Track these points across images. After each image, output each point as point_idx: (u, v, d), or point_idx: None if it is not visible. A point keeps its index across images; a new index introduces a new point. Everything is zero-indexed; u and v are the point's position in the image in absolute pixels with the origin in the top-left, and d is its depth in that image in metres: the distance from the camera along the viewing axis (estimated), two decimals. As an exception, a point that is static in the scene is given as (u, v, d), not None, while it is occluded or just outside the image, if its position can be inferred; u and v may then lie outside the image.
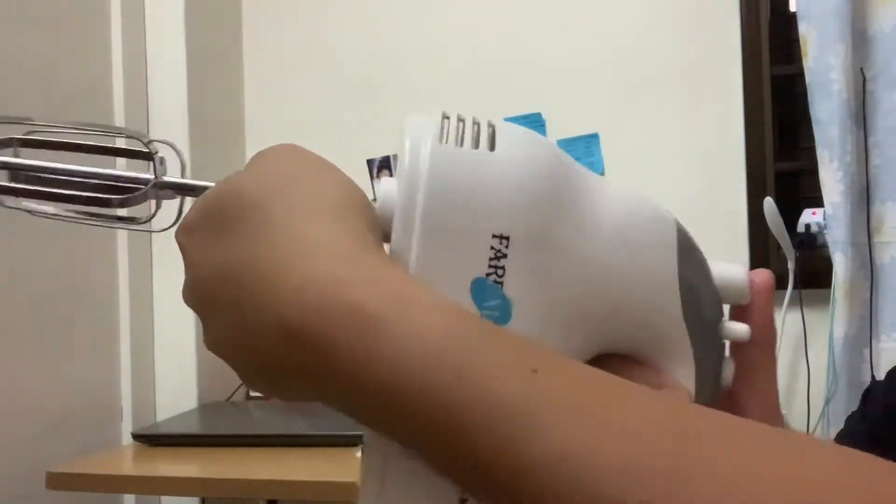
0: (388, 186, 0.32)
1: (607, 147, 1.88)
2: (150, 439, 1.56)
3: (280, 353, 0.28)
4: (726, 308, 0.36)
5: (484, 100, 1.96)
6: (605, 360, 0.34)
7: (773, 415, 0.37)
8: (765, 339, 0.36)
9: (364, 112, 2.04)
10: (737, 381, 0.36)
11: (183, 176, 0.41)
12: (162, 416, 1.84)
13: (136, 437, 1.57)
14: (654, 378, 0.34)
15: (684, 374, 0.34)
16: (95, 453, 1.59)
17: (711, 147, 1.82)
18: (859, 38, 1.61)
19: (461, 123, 0.33)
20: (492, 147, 0.32)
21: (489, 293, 0.31)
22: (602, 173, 1.88)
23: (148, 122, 1.91)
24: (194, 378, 1.85)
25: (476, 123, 0.33)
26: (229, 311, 0.29)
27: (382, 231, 0.32)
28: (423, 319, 0.27)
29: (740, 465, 0.25)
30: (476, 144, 0.32)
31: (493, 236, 0.31)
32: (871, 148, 1.62)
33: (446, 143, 0.32)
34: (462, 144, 0.32)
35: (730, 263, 0.36)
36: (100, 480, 1.42)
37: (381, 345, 0.26)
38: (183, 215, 0.34)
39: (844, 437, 0.68)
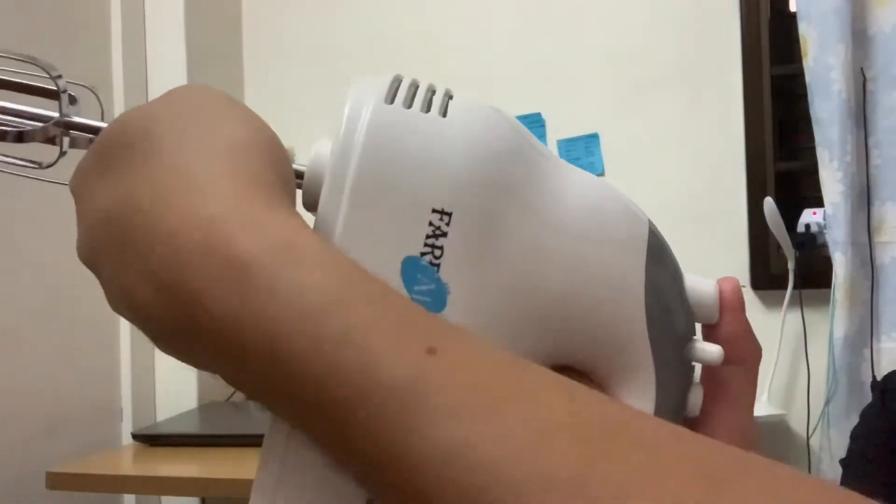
0: (320, 147, 0.29)
1: (607, 147, 1.88)
2: (150, 439, 1.56)
3: (158, 309, 0.24)
4: (698, 327, 0.32)
5: (484, 100, 1.95)
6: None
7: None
8: (739, 357, 0.31)
9: (364, 112, 2.04)
10: (707, 406, 0.31)
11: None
12: (162, 416, 1.84)
13: (136, 437, 1.57)
14: None
15: (643, 398, 0.30)
16: (95, 453, 1.59)
17: (711, 147, 1.82)
18: (859, 38, 1.61)
19: (414, 88, 0.29)
20: (443, 113, 0.28)
21: (422, 275, 0.27)
22: (602, 173, 1.88)
23: (148, 122, 1.92)
24: (194, 378, 1.85)
25: (432, 90, 0.29)
26: (113, 259, 0.26)
27: (309, 198, 0.28)
28: (307, 274, 0.23)
29: (657, 493, 0.20)
30: (427, 109, 0.28)
31: (434, 211, 0.27)
32: (871, 148, 1.62)
33: (391, 103, 0.28)
34: (410, 107, 0.28)
35: (699, 276, 0.31)
36: (100, 480, 1.42)
37: (256, 301, 0.22)
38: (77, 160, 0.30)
39: (861, 434, 0.67)
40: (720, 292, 0.31)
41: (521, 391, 0.22)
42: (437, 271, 0.27)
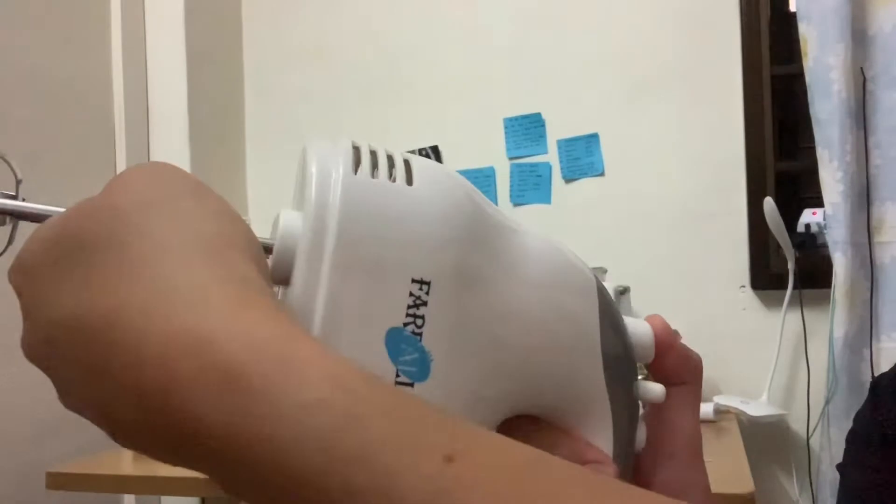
0: (289, 219, 0.28)
1: (607, 147, 1.88)
2: (150, 439, 1.56)
3: (142, 426, 0.23)
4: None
5: (484, 100, 1.96)
6: (518, 421, 0.31)
7: (693, 458, 0.35)
8: (682, 380, 0.35)
9: (364, 112, 2.04)
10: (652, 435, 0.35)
11: (17, 194, 0.33)
12: (162, 416, 1.84)
13: (136, 437, 1.57)
14: (574, 445, 0.32)
15: (602, 438, 0.32)
16: (95, 453, 1.59)
17: (711, 147, 1.82)
18: (859, 38, 1.61)
19: (373, 154, 0.29)
20: (409, 181, 0.28)
21: (406, 345, 0.27)
22: (602, 173, 1.88)
23: (148, 122, 1.92)
24: (194, 378, 1.85)
25: (389, 156, 0.29)
26: (80, 368, 0.24)
27: (279, 272, 0.27)
28: (315, 391, 0.22)
29: None
30: (391, 178, 0.28)
31: (413, 281, 0.27)
32: (871, 148, 1.62)
33: (358, 174, 0.28)
34: (376, 177, 0.28)
35: (635, 320, 0.34)
36: (100, 480, 1.42)
37: (263, 424, 0.21)
38: (14, 245, 0.27)
39: (854, 438, 0.67)
40: (654, 331, 0.34)
41: (545, 494, 0.22)
42: (420, 340, 0.27)
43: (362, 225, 0.27)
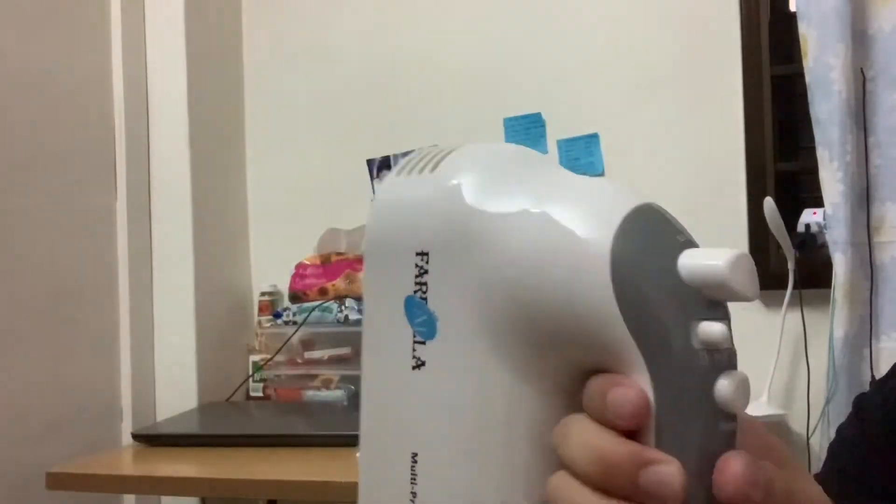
0: None
1: (607, 147, 1.88)
2: (150, 439, 1.56)
3: None
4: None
5: (484, 100, 1.96)
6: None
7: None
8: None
9: (364, 112, 2.04)
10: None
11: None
12: (162, 416, 1.84)
13: (136, 437, 1.57)
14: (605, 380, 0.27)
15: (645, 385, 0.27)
16: (95, 453, 1.59)
17: (711, 147, 1.82)
18: (859, 38, 1.61)
19: (423, 154, 0.33)
20: (433, 169, 0.32)
21: (418, 309, 0.31)
22: (602, 173, 1.88)
23: (148, 122, 1.92)
24: (194, 378, 1.85)
25: (446, 151, 0.32)
26: None
27: None
28: None
29: None
30: (421, 171, 0.32)
31: (417, 254, 0.31)
32: (871, 148, 1.62)
33: (398, 175, 0.33)
34: (408, 174, 0.33)
35: (710, 250, 0.28)
36: (100, 480, 1.42)
37: None
38: None
39: (837, 452, 0.66)
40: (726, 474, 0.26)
41: None
42: (427, 304, 0.31)
43: (382, 218, 0.33)
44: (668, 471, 0.25)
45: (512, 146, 0.33)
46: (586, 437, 0.26)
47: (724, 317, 0.28)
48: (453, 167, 0.32)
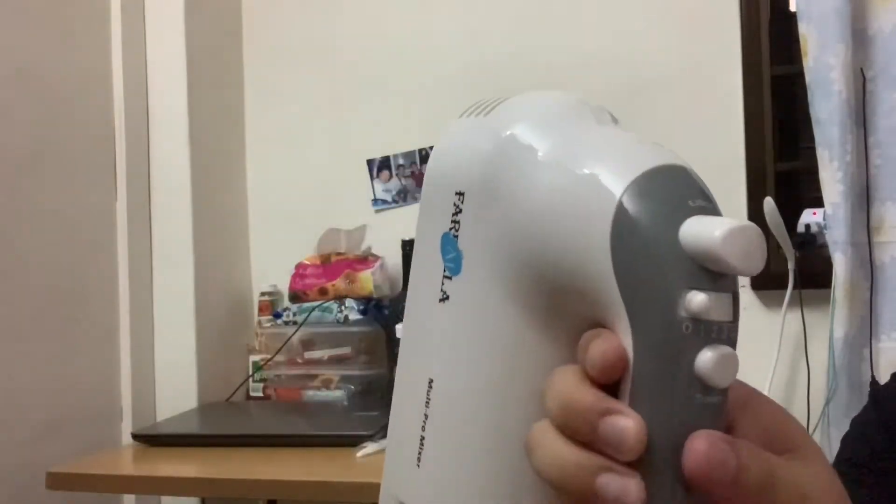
0: None
1: (607, 147, 1.88)
2: (150, 439, 1.56)
3: None
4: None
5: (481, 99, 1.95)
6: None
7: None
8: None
9: (364, 112, 2.04)
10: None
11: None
12: (162, 416, 1.84)
13: (136, 437, 1.57)
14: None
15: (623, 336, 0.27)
16: (95, 453, 1.59)
17: (711, 147, 1.82)
18: (859, 38, 1.61)
19: (486, 100, 0.34)
20: (487, 114, 0.33)
21: (450, 246, 0.33)
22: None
23: (148, 122, 1.92)
24: (194, 378, 1.85)
25: (505, 98, 0.34)
26: None
27: None
28: None
29: None
30: (479, 114, 0.34)
31: (456, 193, 0.33)
32: (871, 148, 1.62)
33: (459, 116, 0.34)
34: (469, 116, 0.34)
35: (716, 219, 0.26)
36: (100, 480, 1.42)
37: None
38: None
39: (853, 441, 0.67)
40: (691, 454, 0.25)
41: None
42: (457, 242, 0.33)
43: (437, 157, 0.35)
44: (625, 423, 0.25)
45: (573, 98, 0.34)
46: (561, 385, 0.27)
47: (726, 289, 0.27)
48: (505, 113, 0.33)
